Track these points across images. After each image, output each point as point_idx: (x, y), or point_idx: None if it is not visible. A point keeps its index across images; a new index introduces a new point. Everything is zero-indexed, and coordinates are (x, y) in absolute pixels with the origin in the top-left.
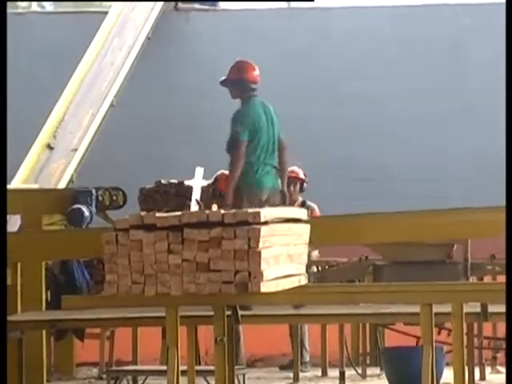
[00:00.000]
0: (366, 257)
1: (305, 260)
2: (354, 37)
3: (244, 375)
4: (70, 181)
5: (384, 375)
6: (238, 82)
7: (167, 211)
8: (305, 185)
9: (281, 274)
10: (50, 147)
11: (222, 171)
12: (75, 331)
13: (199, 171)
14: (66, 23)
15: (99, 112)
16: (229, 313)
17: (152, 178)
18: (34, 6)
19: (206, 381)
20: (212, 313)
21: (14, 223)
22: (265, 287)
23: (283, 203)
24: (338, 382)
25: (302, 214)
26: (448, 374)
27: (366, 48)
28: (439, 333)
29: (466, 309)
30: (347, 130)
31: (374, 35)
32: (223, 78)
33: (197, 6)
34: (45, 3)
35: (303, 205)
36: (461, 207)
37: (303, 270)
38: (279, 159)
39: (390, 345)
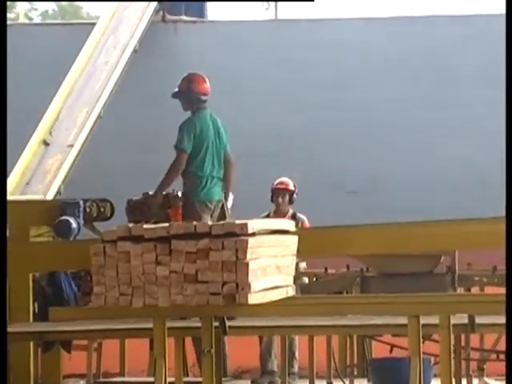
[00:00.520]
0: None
1: (292, 271)
2: (342, 47)
3: None
4: (58, 192)
5: None
6: (188, 93)
7: (154, 223)
8: (295, 196)
9: (268, 285)
10: (45, 143)
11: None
12: (62, 343)
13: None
14: (53, 35)
15: (93, 110)
16: (216, 324)
17: (140, 190)
18: (22, 18)
19: None
20: (199, 324)
21: None
22: (252, 299)
23: (224, 217)
24: None
25: (290, 225)
26: None
27: (356, 58)
28: (423, 342)
29: (454, 320)
30: (336, 140)
31: (363, 46)
32: (175, 90)
33: (184, 18)
34: (33, 15)
35: (294, 217)
36: (448, 219)
37: (291, 281)
38: (225, 173)
39: (378, 356)
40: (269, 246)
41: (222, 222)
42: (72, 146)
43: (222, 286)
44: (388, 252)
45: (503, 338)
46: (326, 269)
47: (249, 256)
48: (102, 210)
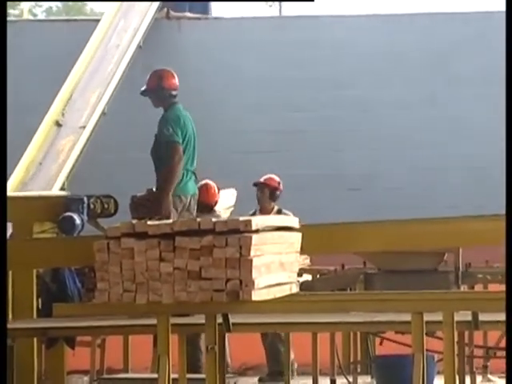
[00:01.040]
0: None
1: (296, 268)
2: (345, 45)
3: (235, 383)
4: (62, 188)
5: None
6: (157, 90)
7: (158, 219)
8: (277, 193)
9: (272, 282)
10: (58, 124)
11: (206, 181)
12: (66, 339)
13: (231, 193)
14: (57, 31)
15: (106, 92)
16: (220, 321)
17: (144, 186)
18: (26, 15)
19: None
20: (203, 321)
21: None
22: (256, 295)
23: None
24: None
25: (294, 222)
26: (439, 383)
27: (356, 57)
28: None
29: (457, 317)
30: (338, 139)
31: (365, 44)
32: (143, 88)
33: (188, 14)
34: (37, 11)
35: (279, 213)
36: (451, 216)
37: (295, 278)
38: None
39: (381, 353)
40: (273, 243)
41: (226, 219)
42: (84, 127)
43: (225, 283)
44: (391, 249)
45: None
46: (335, 269)
47: (253, 253)
48: (106, 206)
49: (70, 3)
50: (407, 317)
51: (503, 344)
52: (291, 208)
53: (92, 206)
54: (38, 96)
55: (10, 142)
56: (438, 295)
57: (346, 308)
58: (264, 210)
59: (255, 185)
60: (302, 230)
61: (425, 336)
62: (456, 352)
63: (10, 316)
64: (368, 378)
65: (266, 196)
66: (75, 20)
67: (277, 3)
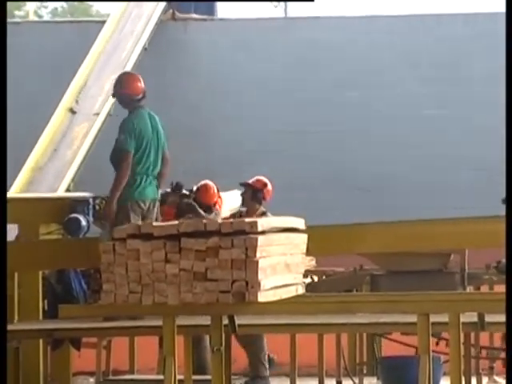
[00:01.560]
0: (361, 266)
1: (302, 269)
2: (352, 46)
3: None
4: (67, 190)
5: None
6: (119, 96)
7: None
8: (259, 195)
9: (278, 283)
10: (72, 111)
11: (206, 181)
12: (72, 340)
13: (236, 195)
14: (62, 33)
15: None
16: (226, 322)
17: None
18: (31, 16)
19: None
20: (209, 322)
21: (10, 232)
22: (262, 297)
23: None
24: None
25: (300, 223)
26: None
27: (364, 57)
28: (437, 343)
29: (463, 318)
30: (346, 139)
31: (373, 44)
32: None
33: (194, 16)
34: (42, 12)
35: (262, 215)
36: (458, 217)
37: (300, 279)
38: (160, 170)
39: (387, 354)
40: (278, 244)
41: (231, 220)
42: (98, 114)
43: (231, 284)
44: (398, 250)
45: None
46: (354, 268)
47: (258, 254)
48: None
49: (76, 3)
50: (413, 318)
51: None
52: (301, 208)
53: (97, 207)
54: (41, 96)
55: (22, 136)
56: (444, 296)
57: (351, 309)
58: (248, 212)
59: (241, 185)
60: (307, 232)
61: (431, 337)
62: (462, 353)
63: (16, 317)
64: (374, 380)
65: (249, 197)
66: (80, 21)
67: (282, 4)
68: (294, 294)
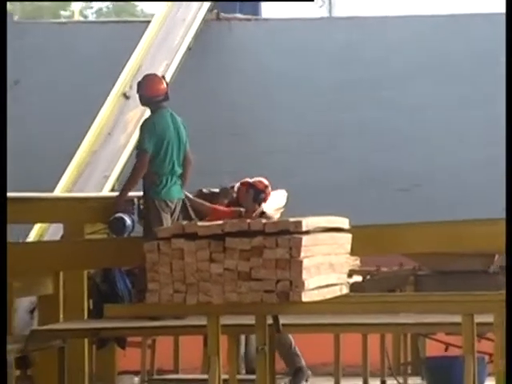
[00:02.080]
0: (401, 264)
1: (346, 269)
2: (395, 45)
3: None
4: (112, 189)
5: None
6: (140, 98)
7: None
8: (261, 196)
9: (322, 283)
10: (126, 96)
11: (247, 179)
12: (117, 339)
13: (281, 194)
14: (107, 32)
15: (173, 62)
16: (270, 322)
17: (194, 186)
18: (77, 16)
19: None
20: (253, 321)
21: (56, 232)
22: (306, 296)
23: (187, 214)
24: None
25: (344, 223)
26: None
27: (407, 56)
28: (479, 341)
29: None
30: (387, 138)
31: (416, 44)
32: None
33: (239, 15)
34: (87, 13)
35: (262, 215)
36: (502, 218)
37: (345, 279)
38: (182, 171)
39: (431, 354)
40: (323, 244)
41: (276, 220)
42: None
43: (275, 284)
44: (441, 250)
45: None
46: (378, 267)
47: (303, 254)
48: None
49: (121, 3)
50: (457, 318)
51: None
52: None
53: (142, 206)
54: (87, 96)
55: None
56: (489, 297)
57: (396, 309)
58: (248, 211)
59: (243, 184)
60: (351, 231)
61: (475, 337)
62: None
63: (61, 317)
64: (418, 380)
65: (251, 197)
66: (125, 21)
67: (327, 4)
68: (338, 293)
